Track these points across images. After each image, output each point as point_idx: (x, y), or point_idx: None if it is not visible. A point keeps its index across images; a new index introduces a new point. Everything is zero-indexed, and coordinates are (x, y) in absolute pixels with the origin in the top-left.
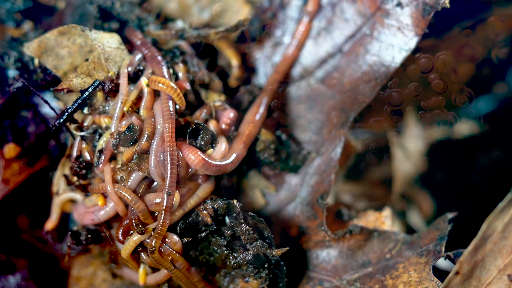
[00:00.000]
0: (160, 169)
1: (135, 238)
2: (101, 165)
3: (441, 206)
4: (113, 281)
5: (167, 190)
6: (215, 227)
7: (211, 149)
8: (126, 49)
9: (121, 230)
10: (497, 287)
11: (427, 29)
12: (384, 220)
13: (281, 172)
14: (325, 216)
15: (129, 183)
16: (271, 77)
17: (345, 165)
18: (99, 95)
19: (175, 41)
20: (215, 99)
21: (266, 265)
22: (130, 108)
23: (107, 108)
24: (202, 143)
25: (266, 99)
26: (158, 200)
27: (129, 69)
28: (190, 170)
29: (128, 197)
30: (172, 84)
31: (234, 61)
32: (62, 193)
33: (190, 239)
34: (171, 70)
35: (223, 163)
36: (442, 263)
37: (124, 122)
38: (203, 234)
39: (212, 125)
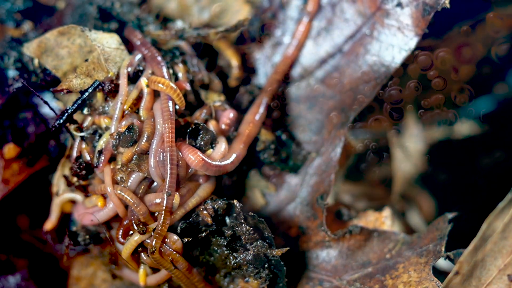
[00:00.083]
0: (160, 169)
1: (136, 238)
2: (101, 166)
3: (441, 206)
4: (113, 281)
5: (167, 190)
6: (215, 227)
7: (211, 149)
8: (126, 49)
9: (121, 230)
10: (497, 287)
11: (427, 29)
12: (384, 220)
13: (281, 172)
14: (325, 216)
15: (129, 183)
16: (271, 77)
17: (345, 165)
18: (99, 95)
19: (174, 41)
20: (215, 99)
21: (266, 265)
22: (129, 109)
23: (106, 108)
24: (202, 143)
25: (266, 99)
26: (158, 201)
27: (129, 69)
28: (190, 170)
29: (130, 199)
30: (172, 85)
31: (234, 61)
32: (62, 193)
33: (191, 239)
34: (170, 71)
35: (223, 163)
36: (442, 263)
37: (124, 123)
38: (203, 234)
39: (211, 125)
